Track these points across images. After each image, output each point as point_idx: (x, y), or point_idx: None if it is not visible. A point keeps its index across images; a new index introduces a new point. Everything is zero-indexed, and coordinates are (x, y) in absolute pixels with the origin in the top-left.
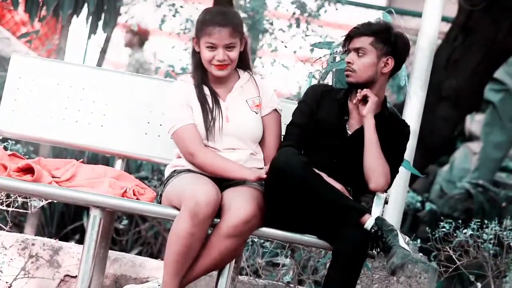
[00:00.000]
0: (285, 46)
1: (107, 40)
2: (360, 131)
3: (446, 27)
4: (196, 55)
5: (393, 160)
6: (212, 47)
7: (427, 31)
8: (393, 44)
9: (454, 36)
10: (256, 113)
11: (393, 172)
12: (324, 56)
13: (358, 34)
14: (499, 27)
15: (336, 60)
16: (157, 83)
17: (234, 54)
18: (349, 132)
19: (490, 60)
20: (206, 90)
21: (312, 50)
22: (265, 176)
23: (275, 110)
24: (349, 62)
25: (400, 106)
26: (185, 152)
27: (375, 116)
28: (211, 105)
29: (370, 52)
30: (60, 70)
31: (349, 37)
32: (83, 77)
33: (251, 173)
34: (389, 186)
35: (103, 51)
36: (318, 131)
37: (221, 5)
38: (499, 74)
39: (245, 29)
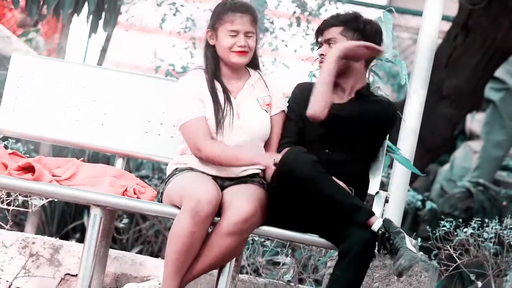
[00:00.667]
0: (286, 45)
1: (107, 39)
2: (333, 114)
3: (447, 26)
4: (210, 48)
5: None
6: (234, 34)
7: (428, 30)
8: (362, 30)
9: (455, 35)
10: (266, 112)
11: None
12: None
13: (328, 25)
14: (500, 26)
15: None
16: (157, 82)
17: (252, 43)
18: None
19: (491, 59)
20: (218, 85)
21: (312, 49)
22: (273, 167)
23: (283, 111)
24: (322, 54)
25: (401, 105)
26: (192, 146)
27: (358, 94)
28: (222, 100)
29: (340, 41)
30: (60, 69)
31: (320, 30)
32: (84, 76)
33: (263, 158)
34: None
35: (104, 50)
36: (307, 127)
37: None
38: (499, 73)
39: None
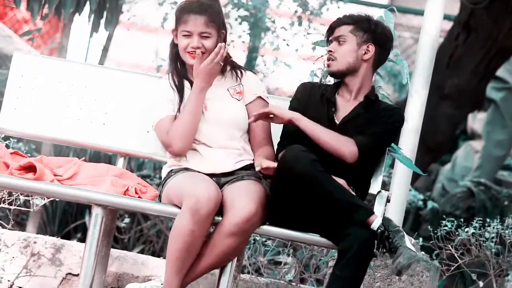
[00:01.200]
0: (287, 45)
1: (109, 38)
2: (347, 119)
3: (448, 25)
4: (174, 48)
5: (375, 136)
6: (188, 34)
7: (429, 29)
8: (373, 31)
9: (456, 34)
10: (238, 100)
11: (371, 144)
12: (326, 54)
13: (339, 24)
14: (501, 25)
15: None
16: (159, 81)
17: (209, 43)
18: (337, 122)
19: (492, 58)
20: (186, 82)
21: (314, 49)
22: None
23: (260, 97)
24: (330, 51)
25: (402, 105)
26: (163, 144)
27: (363, 102)
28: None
29: (350, 39)
30: (62, 68)
31: (331, 28)
32: (85, 75)
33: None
34: (361, 154)
35: (105, 49)
36: None
37: None
38: (501, 72)
39: (246, 27)
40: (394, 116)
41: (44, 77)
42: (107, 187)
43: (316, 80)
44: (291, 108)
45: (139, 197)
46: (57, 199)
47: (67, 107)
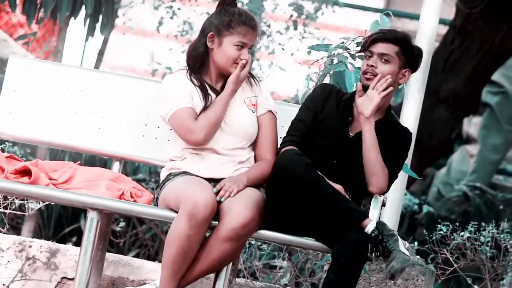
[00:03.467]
0: (283, 49)
1: (104, 42)
2: (361, 134)
3: (444, 29)
4: (202, 49)
5: (392, 164)
6: (242, 46)
7: (425, 34)
8: (415, 58)
9: (452, 39)
10: (253, 112)
11: (392, 177)
12: (322, 58)
13: (384, 39)
14: (497, 29)
15: (334, 63)
16: (154, 85)
17: (250, 55)
18: (351, 134)
19: (488, 62)
20: (206, 84)
21: (309, 53)
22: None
23: (270, 111)
24: (372, 66)
25: (398, 109)
26: (185, 131)
27: (378, 122)
28: (209, 100)
29: (394, 60)
30: (57, 72)
31: (374, 41)
32: (81, 79)
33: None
34: (388, 190)
35: (101, 53)
36: (320, 130)
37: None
38: (496, 76)
39: None
40: (407, 139)
41: (39, 81)
42: (102, 191)
43: (312, 84)
44: (305, 107)
45: (134, 201)
46: (52, 203)
47: (62, 111)
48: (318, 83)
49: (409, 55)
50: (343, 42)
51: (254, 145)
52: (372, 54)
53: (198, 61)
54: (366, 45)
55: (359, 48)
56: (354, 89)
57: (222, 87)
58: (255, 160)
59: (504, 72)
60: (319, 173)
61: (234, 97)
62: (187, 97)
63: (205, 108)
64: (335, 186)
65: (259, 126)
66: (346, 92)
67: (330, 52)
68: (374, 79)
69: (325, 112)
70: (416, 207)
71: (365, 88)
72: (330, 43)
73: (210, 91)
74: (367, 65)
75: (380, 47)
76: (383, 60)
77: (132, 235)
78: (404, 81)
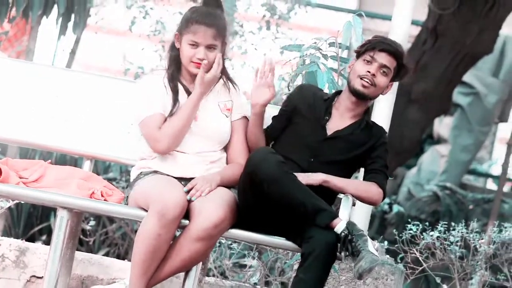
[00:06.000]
0: (255, 49)
1: (76, 42)
2: (340, 133)
3: (416, 30)
4: (174, 51)
5: (384, 165)
6: (195, 45)
7: (397, 35)
8: (403, 75)
9: (424, 40)
10: (226, 117)
11: (386, 177)
12: (294, 58)
13: (391, 52)
14: (468, 31)
15: (306, 63)
16: (126, 84)
17: (213, 55)
18: (328, 133)
19: (459, 63)
20: (180, 86)
21: (282, 53)
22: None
23: (245, 117)
24: (373, 75)
25: (369, 109)
26: (150, 139)
27: (355, 123)
28: (183, 100)
29: (390, 74)
30: (29, 71)
31: (384, 50)
32: (52, 78)
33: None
34: (385, 191)
35: (73, 52)
36: (298, 129)
37: (210, 6)
38: (467, 77)
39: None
40: (384, 136)
41: (10, 80)
42: (73, 190)
43: (284, 84)
44: (283, 107)
45: (105, 200)
46: (22, 202)
47: (33, 110)
48: (290, 83)
49: (400, 72)
50: (315, 43)
51: (226, 148)
52: (373, 61)
53: (173, 62)
54: (369, 48)
55: (332, 49)
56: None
57: None
58: (227, 163)
59: (475, 73)
60: (291, 172)
61: (208, 100)
62: (158, 102)
63: (171, 114)
64: (315, 176)
65: (233, 131)
66: (325, 92)
67: (302, 53)
68: (371, 88)
69: (303, 110)
70: (386, 206)
71: (357, 94)
72: (303, 43)
73: (180, 96)
74: (368, 71)
75: (384, 58)
76: (383, 71)
77: (102, 234)
78: (385, 93)
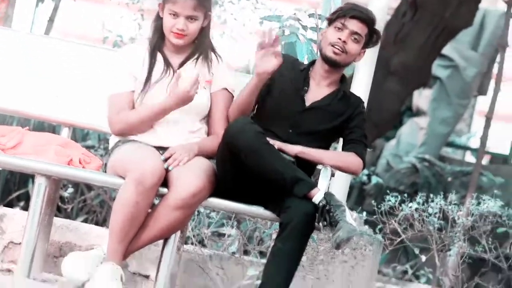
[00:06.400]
0: (235, 19)
1: (55, 9)
2: (318, 104)
3: (396, 2)
4: (158, 21)
5: (363, 135)
6: (175, 15)
7: (377, 6)
8: (374, 42)
9: (403, 12)
10: (205, 88)
11: (365, 146)
12: (274, 29)
13: (362, 19)
14: (448, 3)
15: (286, 34)
16: (104, 52)
17: (194, 26)
18: (307, 104)
19: (438, 36)
20: (159, 56)
21: (261, 23)
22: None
23: (226, 89)
24: (344, 42)
25: (349, 80)
26: (108, 118)
27: (332, 93)
28: (160, 69)
29: (361, 41)
30: (7, 37)
31: (352, 16)
32: (31, 45)
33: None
34: (365, 161)
35: (51, 20)
36: (275, 100)
37: None
38: (447, 50)
39: None
40: (361, 106)
41: None
42: (51, 157)
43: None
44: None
45: (83, 167)
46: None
47: (11, 77)
48: None
49: (371, 38)
50: (295, 13)
51: (208, 122)
52: (344, 28)
53: (156, 32)
54: (340, 16)
55: (311, 20)
56: (305, 60)
57: (180, 64)
58: (208, 135)
59: (454, 46)
60: (270, 141)
61: (188, 71)
62: (129, 78)
63: (143, 89)
64: (294, 148)
65: (212, 103)
66: (302, 62)
67: (282, 23)
68: (342, 55)
69: (281, 81)
70: (365, 178)
71: (329, 61)
72: (282, 14)
73: (157, 67)
74: (339, 38)
75: (355, 25)
76: (354, 38)
77: (80, 201)
78: (358, 60)
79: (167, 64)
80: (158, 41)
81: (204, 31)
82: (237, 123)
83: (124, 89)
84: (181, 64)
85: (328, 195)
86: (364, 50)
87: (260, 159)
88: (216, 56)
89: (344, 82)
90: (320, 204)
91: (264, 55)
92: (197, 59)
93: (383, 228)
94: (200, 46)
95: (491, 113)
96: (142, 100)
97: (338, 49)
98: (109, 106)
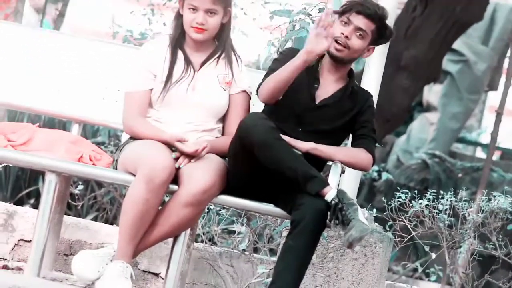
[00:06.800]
0: (245, 13)
1: (65, 4)
2: (327, 101)
3: None
4: (179, 19)
5: (372, 129)
6: (194, 9)
7: (386, 1)
8: (385, 39)
9: (414, 6)
10: (224, 90)
11: (374, 142)
12: (284, 24)
13: (367, 15)
14: None
15: (296, 29)
16: (115, 48)
17: (213, 20)
18: (317, 102)
19: (449, 31)
20: (180, 53)
21: (271, 18)
22: (192, 150)
23: (245, 91)
24: (346, 37)
25: (359, 76)
26: (123, 115)
27: (341, 89)
28: (181, 68)
29: (367, 37)
30: (17, 33)
31: (357, 12)
32: (41, 41)
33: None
34: (374, 156)
35: (61, 15)
36: (286, 97)
37: None
38: (457, 45)
39: None
40: (370, 100)
41: None
42: (61, 154)
43: (274, 49)
44: (271, 69)
45: (93, 164)
46: (10, 165)
47: (22, 73)
48: (280, 49)
49: (381, 35)
50: (305, 8)
51: (223, 120)
52: (349, 23)
53: (178, 29)
54: (346, 10)
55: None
56: None
57: (201, 62)
58: (223, 135)
59: (465, 40)
60: (283, 137)
61: (206, 73)
62: (148, 76)
63: (164, 87)
64: (305, 144)
65: (230, 104)
66: None
67: (292, 18)
68: (345, 51)
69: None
70: (375, 174)
71: (332, 57)
72: (293, 8)
73: (178, 65)
74: (342, 33)
75: (360, 21)
76: (359, 34)
77: (91, 198)
78: (366, 56)
79: (188, 62)
80: (179, 38)
81: (224, 28)
82: (250, 118)
83: (141, 88)
84: (202, 64)
85: (340, 193)
86: (373, 47)
87: (273, 154)
88: (236, 56)
89: (352, 77)
90: (333, 202)
91: (317, 35)
92: (218, 58)
93: (393, 225)
94: (221, 44)
95: (502, 109)
96: (163, 100)
97: (340, 44)
98: (125, 104)
